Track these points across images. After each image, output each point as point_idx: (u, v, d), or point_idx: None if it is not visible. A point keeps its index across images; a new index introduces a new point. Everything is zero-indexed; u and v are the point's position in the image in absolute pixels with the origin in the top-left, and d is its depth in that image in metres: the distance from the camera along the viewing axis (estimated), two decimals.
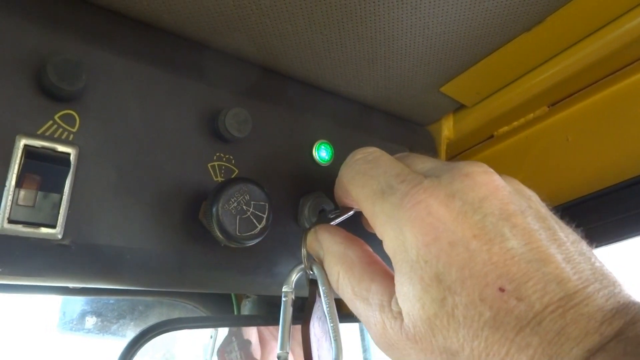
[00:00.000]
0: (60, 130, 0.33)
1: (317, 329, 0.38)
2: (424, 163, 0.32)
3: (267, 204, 0.37)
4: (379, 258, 0.34)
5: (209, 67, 0.42)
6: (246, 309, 0.66)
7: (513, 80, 0.54)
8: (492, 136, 0.60)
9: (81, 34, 0.35)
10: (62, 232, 0.32)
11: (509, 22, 0.45)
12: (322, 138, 0.47)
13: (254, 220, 0.36)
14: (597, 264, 0.26)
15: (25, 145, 0.32)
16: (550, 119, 0.56)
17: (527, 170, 0.58)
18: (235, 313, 0.66)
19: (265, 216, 0.37)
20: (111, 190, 0.35)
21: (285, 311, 0.37)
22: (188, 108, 0.39)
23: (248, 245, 0.36)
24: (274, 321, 0.54)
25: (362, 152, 0.34)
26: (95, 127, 0.35)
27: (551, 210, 0.31)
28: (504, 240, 0.26)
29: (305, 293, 0.38)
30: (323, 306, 0.35)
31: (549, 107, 0.56)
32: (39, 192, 0.32)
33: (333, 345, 0.34)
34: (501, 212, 0.27)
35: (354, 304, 0.32)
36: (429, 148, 0.59)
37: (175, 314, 0.70)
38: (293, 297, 0.38)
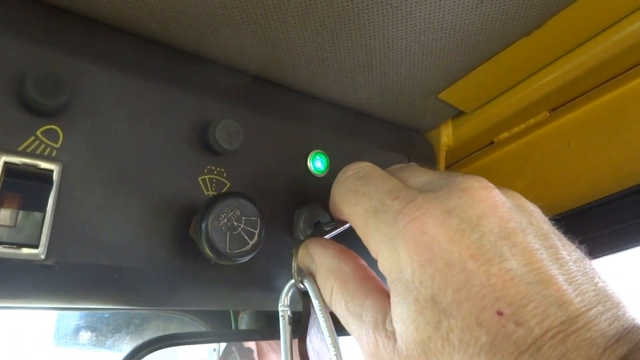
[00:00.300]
0: (43, 146, 0.32)
1: (316, 342, 0.36)
2: (419, 177, 0.31)
3: (258, 219, 0.36)
4: (373, 273, 0.33)
5: (198, 78, 0.41)
6: (243, 322, 0.65)
7: (513, 86, 0.53)
8: (492, 142, 0.59)
9: (64, 46, 0.34)
10: (45, 252, 0.31)
11: (507, 27, 0.43)
12: (317, 148, 0.46)
13: (245, 237, 0.35)
14: (601, 284, 0.25)
15: (6, 163, 0.30)
16: (551, 124, 0.55)
17: (528, 177, 0.57)
18: (234, 326, 0.65)
19: (257, 232, 0.35)
20: (97, 207, 0.34)
21: (285, 330, 0.36)
22: (177, 120, 0.38)
23: (239, 262, 0.35)
24: (272, 335, 0.53)
25: (352, 167, 0.33)
26: (80, 142, 0.34)
27: (553, 220, 0.30)
28: (503, 260, 0.25)
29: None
30: (319, 320, 0.34)
31: (550, 112, 0.55)
32: (21, 211, 0.31)
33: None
34: (500, 230, 0.26)
35: (347, 320, 0.31)
36: (428, 155, 0.58)
37: (172, 327, 0.69)
38: (290, 314, 0.36)
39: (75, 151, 0.33)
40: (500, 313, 0.23)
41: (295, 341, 0.35)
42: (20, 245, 0.30)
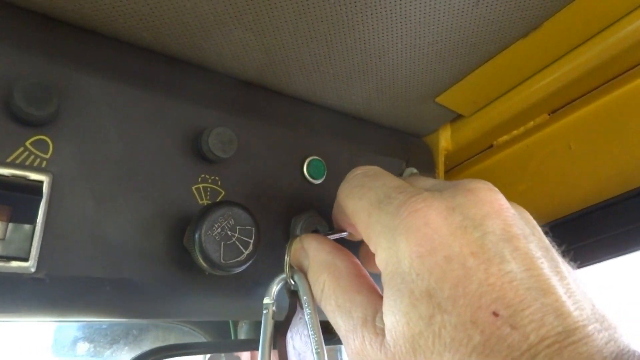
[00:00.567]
0: (32, 157, 0.32)
1: (299, 342, 0.36)
2: (425, 181, 0.32)
3: (253, 228, 0.35)
4: (367, 272, 0.32)
5: (191, 85, 0.40)
6: (242, 331, 0.64)
7: (512, 88, 0.52)
8: (491, 146, 0.59)
9: (53, 55, 0.33)
10: (35, 265, 0.30)
11: (504, 28, 0.43)
12: (314, 154, 0.45)
13: (240, 246, 0.34)
14: (598, 306, 0.24)
15: None
16: (551, 126, 0.54)
17: (528, 180, 0.56)
18: (233, 335, 0.64)
19: (251, 241, 0.35)
20: (89, 218, 0.33)
21: (266, 325, 0.35)
22: (170, 128, 0.38)
23: (234, 272, 0.34)
24: (273, 345, 0.52)
25: (362, 168, 0.33)
26: (70, 153, 0.33)
27: (553, 224, 0.29)
28: (504, 262, 0.24)
29: None
30: (305, 317, 0.33)
31: (549, 114, 0.54)
32: (10, 224, 0.30)
33: (315, 358, 0.32)
34: (503, 232, 0.25)
35: (335, 316, 0.30)
36: (426, 160, 0.57)
37: (172, 338, 0.68)
38: (274, 309, 0.36)
39: (66, 162, 0.33)
40: (496, 314, 0.23)
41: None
42: (9, 259, 0.30)
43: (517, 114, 0.54)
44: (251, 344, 0.54)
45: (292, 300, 0.36)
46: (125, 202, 0.35)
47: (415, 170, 0.53)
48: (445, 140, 0.58)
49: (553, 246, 0.28)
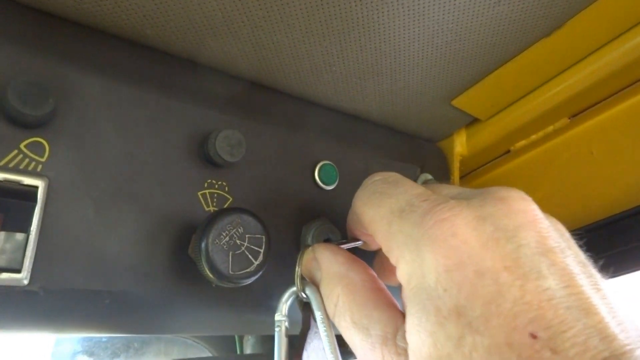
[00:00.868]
0: (27, 160, 0.29)
1: (315, 358, 0.33)
2: (449, 189, 0.29)
3: (264, 237, 0.33)
4: (384, 286, 0.30)
5: (196, 86, 0.38)
6: (249, 344, 0.62)
7: (531, 91, 0.50)
8: (508, 151, 0.56)
9: (50, 53, 0.31)
10: (28, 277, 0.28)
11: (526, 27, 0.41)
12: (325, 159, 0.43)
13: (250, 256, 0.32)
14: None
15: None
16: (571, 131, 0.52)
17: (547, 188, 0.53)
18: (239, 348, 0.61)
19: (262, 251, 0.32)
20: (87, 227, 0.31)
21: (280, 343, 0.32)
22: (174, 131, 0.35)
23: (243, 284, 0.32)
24: None
25: (381, 174, 0.31)
26: (68, 156, 0.31)
27: (572, 233, 0.27)
28: (540, 277, 0.22)
29: None
30: (320, 333, 0.31)
31: (570, 118, 0.52)
32: (1, 233, 0.28)
33: None
34: (538, 245, 0.23)
35: (351, 334, 0.28)
36: (441, 166, 0.55)
37: (175, 351, 0.65)
38: (287, 326, 0.33)
39: (63, 166, 0.31)
40: (534, 336, 0.20)
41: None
42: (1, 270, 0.27)
43: (536, 118, 0.51)
44: (259, 359, 0.51)
45: (305, 314, 0.34)
46: (127, 209, 0.32)
47: (430, 176, 0.50)
48: (460, 145, 0.56)
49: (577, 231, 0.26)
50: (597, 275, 0.24)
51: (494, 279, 0.22)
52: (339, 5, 0.35)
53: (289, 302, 0.34)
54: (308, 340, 0.32)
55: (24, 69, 0.30)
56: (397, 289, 0.39)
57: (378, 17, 0.37)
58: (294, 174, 0.41)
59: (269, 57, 0.40)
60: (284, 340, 0.32)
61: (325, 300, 0.31)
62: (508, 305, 0.21)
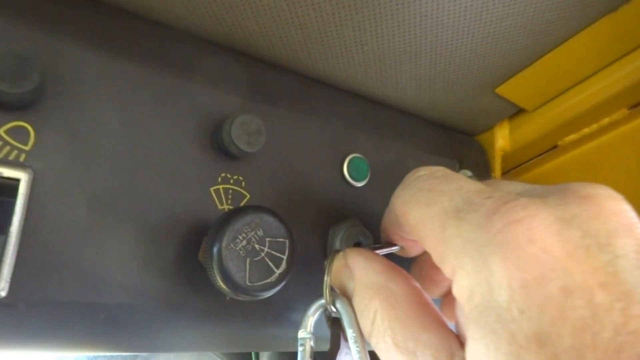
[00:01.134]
0: (8, 148, 0.25)
1: None
2: (512, 185, 0.24)
3: (287, 241, 0.27)
4: (431, 300, 0.25)
5: (210, 66, 0.33)
6: (265, 356, 0.57)
7: (586, 77, 0.44)
8: (555, 146, 0.50)
9: (37, 20, 0.27)
10: (6, 288, 0.23)
11: (590, 1, 0.35)
12: (355, 152, 0.38)
13: (271, 264, 0.27)
14: None
15: None
16: (630, 123, 0.45)
17: None
18: None
19: (285, 257, 0.27)
20: (78, 227, 0.26)
21: None
22: (184, 116, 0.30)
23: (262, 297, 0.27)
24: None
25: (426, 168, 0.26)
26: (57, 144, 0.26)
27: None
28: None
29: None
30: (352, 354, 0.26)
31: (629, 109, 0.46)
32: None
33: None
34: (638, 256, 0.18)
35: (392, 358, 0.23)
36: (480, 162, 0.50)
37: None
38: (312, 344, 0.28)
39: (50, 155, 0.26)
40: None
41: None
42: None
43: (589, 109, 0.46)
44: None
45: (334, 332, 0.29)
46: (127, 207, 0.28)
47: (470, 173, 0.45)
48: (502, 139, 0.50)
49: None
50: None
51: (587, 299, 0.17)
52: None
53: (315, 317, 0.29)
54: None
55: (4, 39, 0.25)
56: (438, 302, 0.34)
57: None
58: (319, 168, 0.36)
59: (293, 35, 0.35)
60: None
61: (359, 315, 0.26)
62: (608, 335, 0.17)
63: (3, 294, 0.23)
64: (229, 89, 0.32)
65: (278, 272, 0.27)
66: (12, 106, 0.25)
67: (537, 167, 0.52)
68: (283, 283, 0.27)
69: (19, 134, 0.25)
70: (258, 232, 0.26)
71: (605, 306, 0.17)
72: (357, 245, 0.34)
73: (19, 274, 0.24)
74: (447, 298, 0.33)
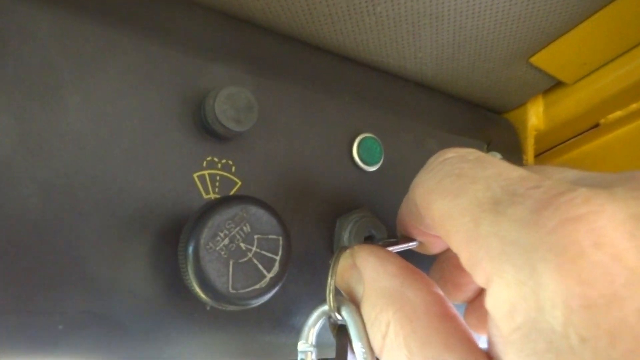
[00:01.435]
0: None
1: None
2: (562, 172, 0.20)
3: (281, 238, 0.23)
4: (456, 312, 0.21)
5: (193, 29, 0.28)
6: None
7: (636, 45, 0.38)
8: (597, 125, 0.44)
9: None
10: None
11: None
12: (367, 131, 0.33)
13: (260, 267, 0.22)
14: None
15: None
16: None
17: None
18: None
19: (278, 258, 0.23)
20: (30, 222, 0.22)
21: None
22: (162, 88, 0.26)
23: (250, 306, 0.22)
24: None
25: (455, 150, 0.21)
26: (2, 120, 0.22)
27: None
28: None
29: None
30: None
31: None
32: None
33: None
34: None
35: None
36: (510, 142, 0.44)
37: None
38: (314, 359, 0.24)
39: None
40: None
41: None
42: None
43: (638, 81, 0.40)
44: None
45: (340, 343, 0.24)
46: (90, 197, 0.23)
47: (499, 156, 0.39)
48: (536, 117, 0.44)
49: None
50: None
51: None
52: None
53: (317, 326, 0.25)
54: None
55: None
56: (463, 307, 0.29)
57: None
58: (325, 150, 0.31)
59: None
60: None
61: (369, 327, 0.22)
62: None
63: None
64: (215, 57, 0.27)
65: (269, 275, 0.22)
66: None
67: (575, 149, 0.46)
68: (275, 289, 0.22)
69: None
70: (244, 228, 0.22)
71: None
72: (368, 239, 0.30)
73: None
74: (473, 305, 0.28)
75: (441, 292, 0.22)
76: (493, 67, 0.38)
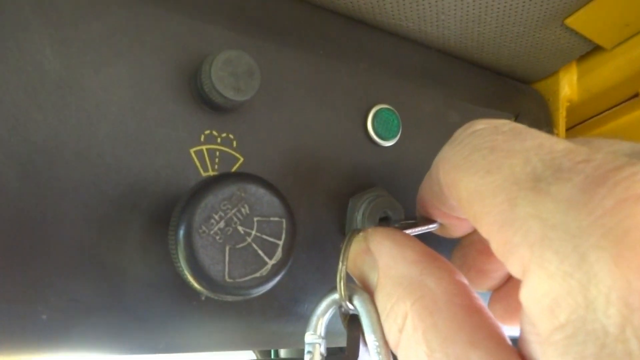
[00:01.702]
0: None
1: None
2: (613, 144, 0.18)
3: (284, 221, 0.20)
4: (483, 303, 0.18)
5: None
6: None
7: None
8: (636, 95, 0.41)
9: None
10: None
11: None
12: (382, 102, 0.30)
13: (260, 252, 0.20)
14: None
15: None
16: None
17: None
18: (273, 352, 0.51)
19: (280, 243, 0.20)
20: (7, 201, 0.20)
21: None
22: (152, 54, 0.23)
23: (250, 297, 0.20)
24: None
25: (486, 121, 0.19)
26: None
27: None
28: None
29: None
30: None
31: None
32: None
33: None
34: None
35: None
36: (539, 114, 0.41)
37: None
38: (323, 351, 0.22)
39: None
40: None
41: None
42: None
43: None
44: None
45: (352, 334, 0.22)
46: (73, 174, 0.21)
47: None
48: (569, 87, 0.41)
49: None
50: None
51: None
52: None
53: (327, 316, 0.23)
54: None
55: None
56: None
57: None
58: (336, 122, 0.28)
59: None
60: None
61: (383, 319, 0.20)
62: None
63: None
64: (213, 17, 0.25)
65: (271, 262, 0.20)
66: None
67: (611, 121, 0.42)
68: (278, 277, 0.20)
69: None
70: (242, 210, 0.19)
71: None
72: (384, 221, 0.27)
73: None
74: (499, 293, 0.25)
75: (465, 281, 0.20)
76: (523, 31, 0.35)
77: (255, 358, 0.54)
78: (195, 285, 0.19)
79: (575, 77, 0.41)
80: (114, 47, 0.22)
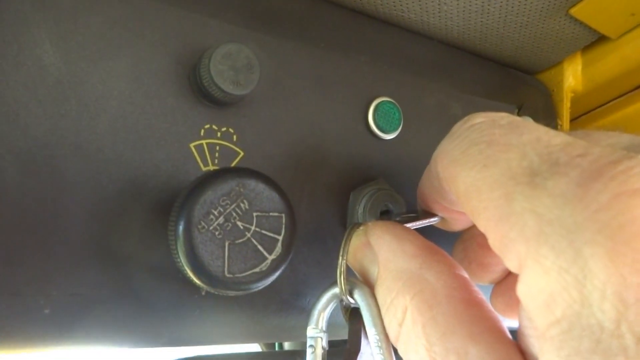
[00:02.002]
0: None
1: None
2: (611, 137, 0.18)
3: (284, 216, 0.20)
4: (483, 297, 0.19)
5: None
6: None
7: None
8: None
9: None
10: None
11: None
12: (384, 95, 0.30)
13: (260, 248, 0.20)
14: None
15: None
16: None
17: None
18: (277, 344, 0.52)
19: (280, 238, 0.20)
20: (6, 195, 0.20)
21: None
22: (152, 48, 0.23)
23: (249, 292, 0.20)
24: None
25: (485, 114, 0.19)
26: None
27: None
28: None
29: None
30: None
31: None
32: None
33: None
34: None
35: None
36: (543, 105, 0.40)
37: None
38: (324, 345, 0.23)
39: None
40: None
41: None
42: None
43: None
44: (297, 356, 0.41)
45: (353, 328, 0.22)
46: (72, 169, 0.21)
47: (531, 121, 0.36)
48: (573, 78, 0.40)
49: None
50: None
51: None
52: None
53: (328, 310, 0.23)
54: None
55: None
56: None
57: None
58: (337, 115, 0.28)
59: None
60: None
61: (384, 313, 0.20)
62: None
63: None
64: (213, 10, 0.25)
65: (271, 257, 0.20)
66: None
67: (616, 112, 0.42)
68: (278, 272, 0.20)
69: None
70: (241, 205, 0.19)
71: None
72: (385, 215, 0.27)
73: None
74: (500, 286, 0.25)
75: (466, 275, 0.20)
76: (527, 21, 0.34)
77: (260, 349, 0.54)
78: (195, 280, 0.19)
79: (579, 68, 0.41)
80: (113, 41, 0.22)
